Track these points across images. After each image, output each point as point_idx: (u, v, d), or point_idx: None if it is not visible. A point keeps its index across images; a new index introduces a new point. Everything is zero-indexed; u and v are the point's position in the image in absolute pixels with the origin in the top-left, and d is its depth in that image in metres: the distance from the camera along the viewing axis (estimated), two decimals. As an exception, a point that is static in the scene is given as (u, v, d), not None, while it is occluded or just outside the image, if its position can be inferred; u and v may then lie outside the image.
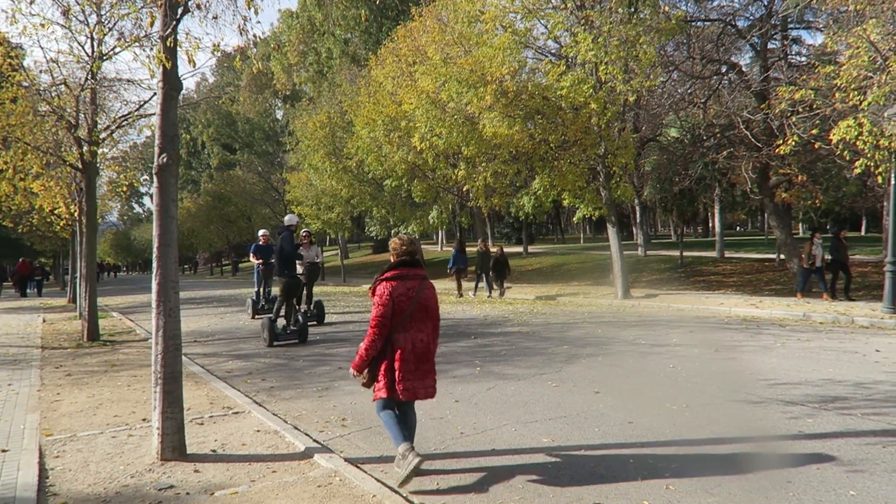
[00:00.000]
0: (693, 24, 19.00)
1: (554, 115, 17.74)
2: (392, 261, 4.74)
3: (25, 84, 11.70)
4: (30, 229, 25.17)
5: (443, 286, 23.23)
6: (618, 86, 16.12)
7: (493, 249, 21.83)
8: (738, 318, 13.40)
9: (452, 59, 18.51)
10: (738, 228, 64.09)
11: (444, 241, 46.89)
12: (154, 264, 5.04)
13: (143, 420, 6.23)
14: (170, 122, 5.11)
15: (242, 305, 20.71)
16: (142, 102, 12.81)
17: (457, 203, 26.21)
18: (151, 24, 5.10)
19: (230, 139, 67.22)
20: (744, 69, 20.09)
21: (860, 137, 12.03)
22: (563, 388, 7.30)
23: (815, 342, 9.96)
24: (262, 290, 16.33)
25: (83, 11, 10.32)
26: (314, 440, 5.53)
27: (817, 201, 21.21)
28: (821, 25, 18.16)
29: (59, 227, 21.04)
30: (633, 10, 16.64)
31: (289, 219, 12.46)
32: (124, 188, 18.71)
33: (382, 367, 4.56)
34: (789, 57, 19.44)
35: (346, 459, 4.97)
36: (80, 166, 12.55)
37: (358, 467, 4.78)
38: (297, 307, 12.29)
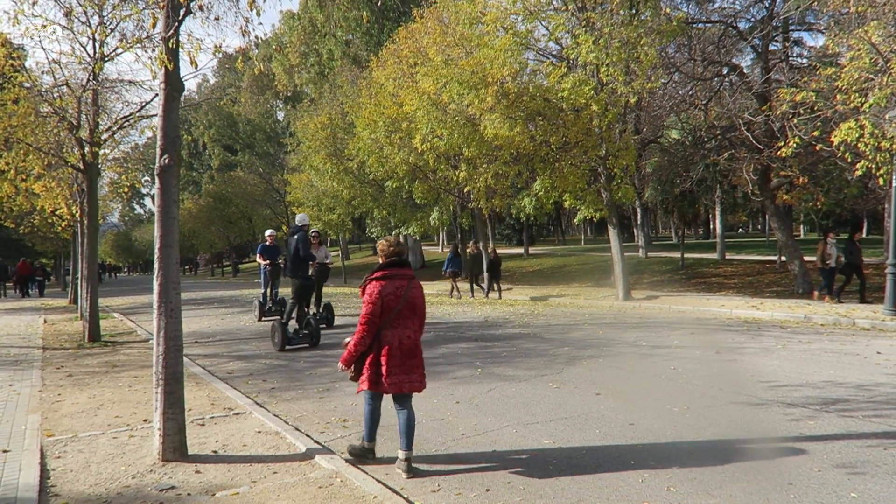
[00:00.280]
0: (694, 25, 19.00)
1: (555, 117, 17.74)
2: (380, 262, 4.99)
3: (27, 85, 11.72)
4: (31, 230, 25.21)
5: (440, 288, 23.23)
6: (619, 87, 16.12)
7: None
8: (739, 320, 13.40)
9: (453, 61, 18.51)
10: (739, 230, 64.07)
11: (445, 243, 46.89)
12: (155, 265, 5.05)
13: (145, 421, 6.24)
14: (171, 123, 5.12)
15: (243, 307, 20.72)
16: (143, 103, 12.82)
17: (458, 204, 26.17)
18: (153, 26, 5.11)
19: (231, 140, 67.22)
20: (745, 71, 20.08)
21: (861, 139, 12.02)
22: (564, 389, 7.29)
23: (816, 344, 9.95)
24: (268, 291, 15.99)
25: (85, 13, 10.34)
26: (315, 441, 5.53)
27: (818, 203, 21.22)
28: (822, 27, 18.15)
29: (60, 228, 21.06)
30: (634, 11, 16.64)
31: (301, 218, 11.96)
32: (125, 189, 18.74)
33: (367, 361, 4.81)
34: (790, 59, 19.43)
35: (347, 461, 4.98)
36: (82, 167, 12.57)
37: (359, 468, 4.78)
38: (307, 310, 12.09)
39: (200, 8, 5.12)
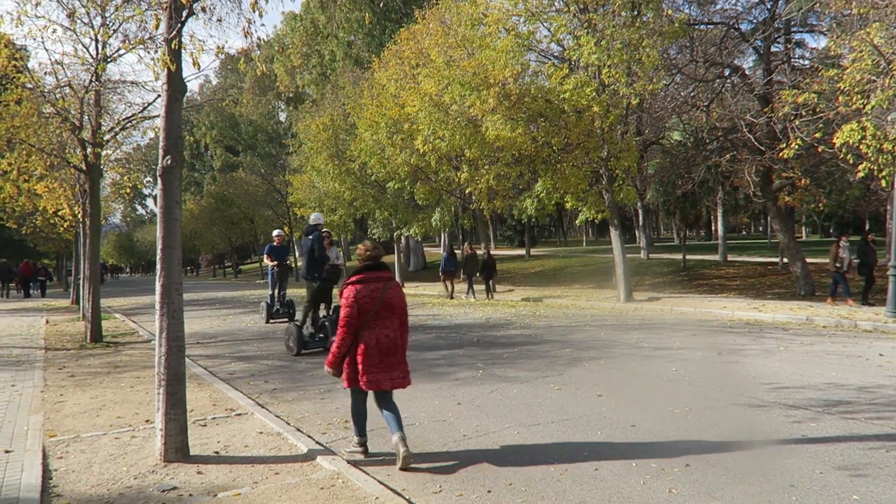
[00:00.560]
0: (696, 27, 19.00)
1: (557, 118, 17.74)
2: (358, 265, 5.21)
3: (30, 86, 11.75)
4: (33, 231, 25.25)
5: (441, 289, 23.22)
6: (621, 89, 16.12)
7: (480, 252, 22.45)
8: (741, 322, 13.39)
9: (455, 62, 18.52)
10: (743, 232, 64.02)
11: (447, 244, 46.87)
12: (158, 266, 5.05)
13: (146, 421, 6.24)
14: (174, 124, 5.13)
15: (245, 307, 20.74)
16: (145, 104, 12.85)
17: (459, 205, 26.18)
18: (157, 27, 5.11)
19: (233, 141, 67.25)
20: (747, 72, 20.08)
21: (863, 141, 12.01)
22: (566, 391, 7.29)
23: (818, 346, 9.94)
24: (276, 292, 15.54)
25: (88, 14, 10.36)
26: (317, 442, 5.53)
27: (820, 205, 21.21)
28: (824, 29, 18.15)
29: (62, 229, 21.12)
30: (636, 13, 16.64)
31: (315, 217, 11.33)
32: (128, 190, 18.79)
33: (346, 360, 5.05)
34: (792, 60, 19.44)
35: (348, 462, 4.98)
36: (84, 168, 12.59)
37: (360, 469, 4.78)
38: (317, 310, 11.75)
39: (203, 9, 5.14)
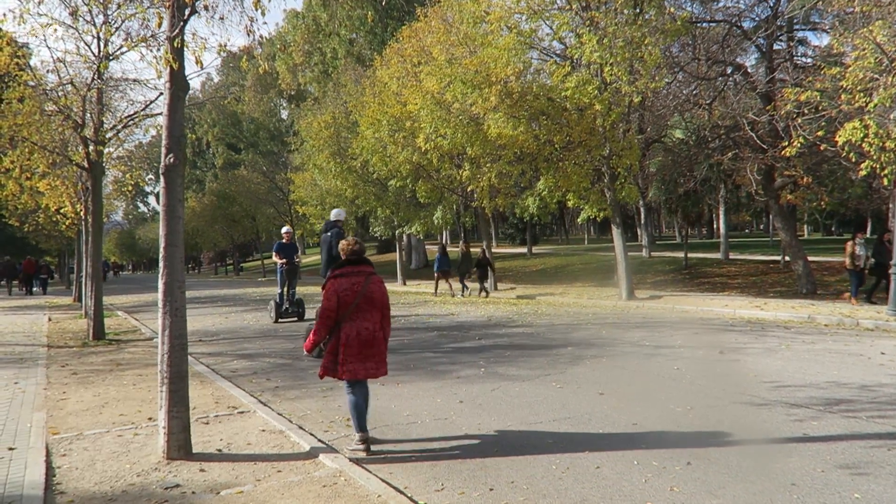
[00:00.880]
0: (698, 25, 18.97)
1: (559, 116, 17.73)
2: (341, 259, 5.39)
3: (32, 84, 11.76)
4: (35, 228, 25.28)
5: (442, 287, 23.25)
6: (623, 87, 16.10)
7: (475, 250, 22.87)
8: (743, 320, 13.39)
9: (457, 60, 18.50)
10: (746, 230, 63.95)
11: (449, 242, 46.92)
12: (160, 264, 5.06)
13: (149, 419, 6.26)
14: (176, 122, 5.13)
15: (247, 305, 20.78)
16: (148, 102, 12.87)
17: (461, 203, 26.18)
18: (159, 25, 5.12)
19: (235, 139, 67.34)
20: (749, 70, 20.04)
21: (866, 139, 11.99)
22: (568, 389, 7.30)
23: (819, 344, 9.94)
24: (285, 291, 15.09)
25: (90, 12, 10.37)
26: (319, 440, 5.54)
27: (822, 203, 21.15)
28: (827, 27, 18.11)
29: (64, 227, 21.15)
30: (638, 11, 16.62)
31: (336, 213, 10.75)
32: (130, 187, 18.80)
33: (328, 350, 5.21)
34: (795, 58, 19.39)
35: (350, 459, 4.99)
36: (86, 166, 12.61)
37: (363, 467, 4.79)
38: None
39: (206, 8, 5.14)
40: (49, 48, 17.32)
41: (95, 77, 11.73)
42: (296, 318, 15.04)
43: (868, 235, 16.45)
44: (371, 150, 22.69)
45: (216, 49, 6.13)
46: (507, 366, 8.81)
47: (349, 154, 25.41)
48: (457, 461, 5.02)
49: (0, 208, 23.34)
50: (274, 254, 15.33)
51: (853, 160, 13.12)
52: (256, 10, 5.28)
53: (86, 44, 11.31)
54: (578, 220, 25.85)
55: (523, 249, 41.89)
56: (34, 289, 34.00)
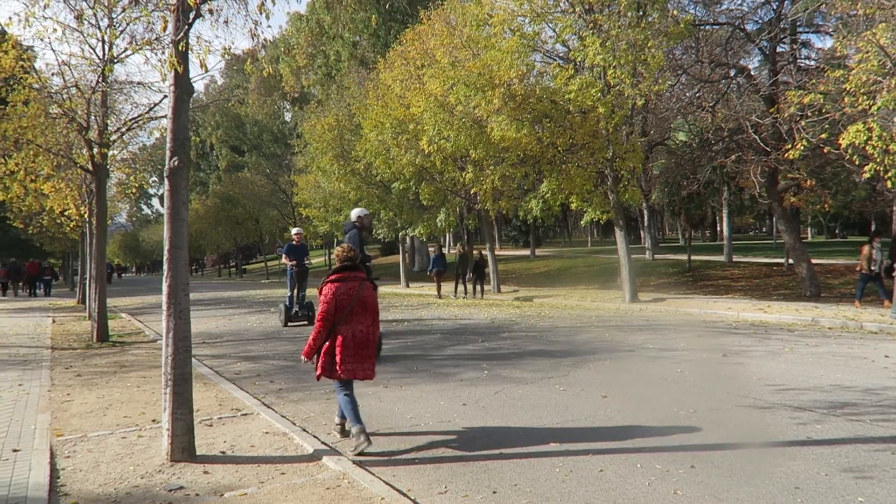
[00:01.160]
0: (702, 27, 18.98)
1: (562, 119, 17.75)
2: (336, 266, 5.61)
3: (37, 86, 11.80)
4: (40, 230, 25.36)
5: (444, 290, 23.29)
6: (626, 89, 16.11)
7: (473, 252, 23.65)
8: (747, 323, 13.37)
9: (460, 63, 18.53)
10: (751, 232, 63.81)
11: (452, 244, 46.91)
12: (165, 266, 5.08)
13: (153, 421, 6.27)
14: (181, 125, 5.15)
15: (250, 307, 20.81)
16: (152, 105, 12.91)
17: (464, 206, 26.21)
18: (164, 29, 5.14)
19: (239, 141, 67.46)
20: (752, 73, 20.04)
21: (869, 142, 11.97)
22: (571, 391, 7.30)
23: (823, 347, 9.92)
24: (295, 294, 14.68)
25: (95, 15, 10.41)
26: (322, 442, 5.55)
27: (826, 206, 21.12)
28: (830, 29, 18.11)
29: (69, 229, 21.20)
30: (641, 13, 16.63)
31: (356, 213, 10.06)
32: (133, 190, 18.83)
33: (323, 351, 5.40)
34: (798, 61, 19.38)
35: (354, 462, 5.00)
36: (91, 168, 12.66)
37: (366, 470, 4.80)
38: None
39: (210, 11, 5.16)
40: (54, 51, 17.49)
41: (100, 80, 11.76)
42: (305, 322, 14.61)
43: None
44: (374, 152, 22.72)
45: (220, 52, 6.13)
46: (511, 368, 8.81)
47: (353, 156, 25.44)
48: (460, 464, 5.02)
49: (5, 210, 23.46)
50: (283, 255, 14.98)
51: (857, 163, 13.10)
52: (261, 13, 5.31)
53: (90, 47, 11.35)
54: (582, 222, 25.87)
55: (526, 252, 41.89)
56: (38, 290, 34.14)
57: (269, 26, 7.30)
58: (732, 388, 7.26)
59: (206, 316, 18.00)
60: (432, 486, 4.58)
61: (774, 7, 18.28)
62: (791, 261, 20.13)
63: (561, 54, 19.92)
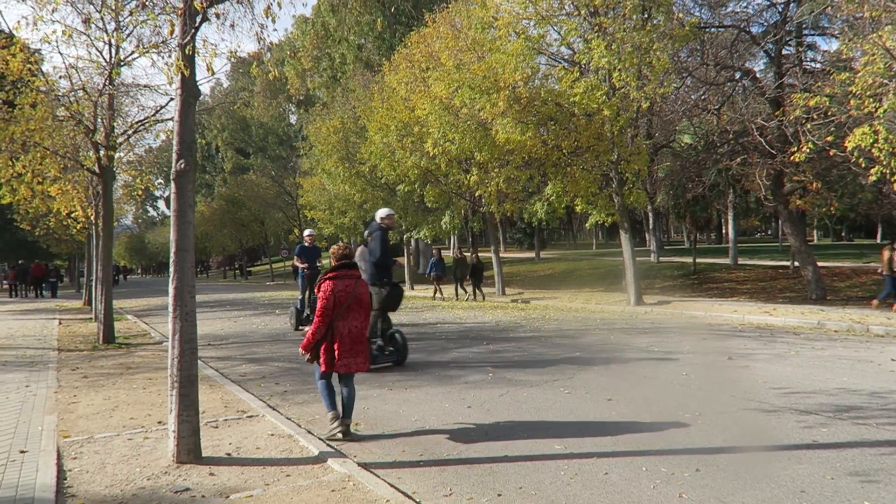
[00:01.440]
0: (707, 30, 18.95)
1: (567, 122, 17.75)
2: (332, 264, 5.90)
3: (44, 89, 11.86)
4: (46, 232, 25.46)
5: (448, 292, 23.30)
6: (631, 92, 16.10)
7: (469, 255, 24.11)
8: (752, 326, 13.34)
9: (466, 65, 18.55)
10: (758, 235, 63.61)
11: (456, 246, 46.93)
12: (171, 269, 5.09)
13: (159, 422, 6.30)
14: (187, 128, 5.17)
15: (256, 309, 20.84)
16: (158, 108, 12.96)
17: (469, 208, 26.24)
18: (171, 33, 5.17)
19: (244, 143, 67.63)
20: (758, 75, 20.00)
21: (875, 145, 11.95)
22: (576, 394, 7.29)
23: (829, 351, 9.89)
24: (306, 297, 14.32)
25: (102, 19, 10.46)
26: (328, 444, 5.56)
27: (832, 208, 21.08)
28: (836, 32, 18.05)
29: (75, 231, 21.32)
30: (646, 16, 16.62)
31: (383, 213, 9.63)
32: (140, 192, 18.90)
33: (322, 348, 5.68)
34: (804, 63, 19.34)
35: (359, 464, 5.00)
36: (97, 170, 12.71)
37: (371, 472, 4.81)
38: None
39: (217, 15, 5.19)
40: (61, 54, 17.54)
41: (107, 83, 11.83)
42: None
43: (864, 240, 16.32)
44: (379, 154, 22.77)
45: (226, 55, 6.19)
46: (515, 371, 8.81)
47: (358, 159, 25.49)
48: (465, 466, 5.02)
49: (12, 212, 23.56)
50: (295, 257, 14.67)
51: (863, 165, 13.08)
52: (267, 17, 5.33)
53: (98, 50, 11.41)
54: (586, 225, 25.83)
55: (531, 254, 41.87)
56: (43, 292, 34.30)
57: (276, 30, 7.36)
58: (738, 391, 7.25)
59: (212, 318, 18.05)
60: (437, 488, 4.59)
61: (780, 10, 18.24)
62: (797, 263, 20.08)
63: (566, 57, 19.91)
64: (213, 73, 5.61)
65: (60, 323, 17.12)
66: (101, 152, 12.37)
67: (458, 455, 5.32)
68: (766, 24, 19.11)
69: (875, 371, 8.26)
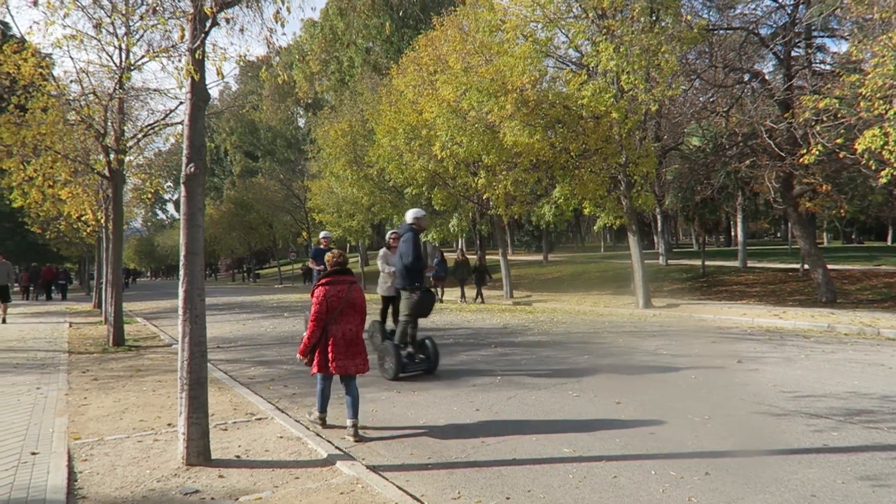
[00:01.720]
0: (715, 32, 18.90)
1: (575, 124, 17.74)
2: (327, 269, 6.15)
3: (55, 94, 11.96)
4: (57, 235, 25.64)
5: (456, 294, 23.30)
6: (639, 95, 16.07)
7: (472, 257, 23.97)
8: (762, 329, 13.27)
9: (473, 68, 18.58)
10: (767, 237, 63.31)
11: (465, 249, 46.95)
12: (181, 272, 5.12)
13: (169, 425, 6.33)
14: (197, 132, 5.21)
15: (264, 312, 20.90)
16: (168, 111, 13.04)
17: (477, 211, 26.25)
18: (181, 38, 5.20)
19: (252, 147, 67.89)
20: (767, 77, 19.93)
21: (886, 147, 11.89)
22: (584, 397, 7.28)
23: (839, 354, 9.84)
24: None
25: (113, 24, 10.54)
26: (336, 447, 5.57)
27: (842, 211, 20.98)
28: (845, 33, 17.97)
29: (85, 234, 21.46)
30: (654, 19, 16.60)
31: (413, 213, 9.07)
32: (149, 195, 19.01)
33: (317, 351, 5.97)
34: (813, 65, 19.25)
35: (367, 467, 5.01)
36: (108, 174, 12.79)
37: (380, 475, 4.82)
38: (383, 324, 10.61)
39: (227, 20, 5.22)
40: (72, 58, 17.62)
41: (117, 87, 11.91)
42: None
43: (875, 243, 16.26)
44: (387, 157, 22.82)
45: (235, 59, 6.25)
46: (524, 374, 8.80)
47: (365, 162, 25.56)
48: (473, 469, 5.02)
49: (23, 216, 23.74)
50: (310, 260, 14.31)
51: (873, 168, 13.01)
52: (276, 21, 5.36)
53: (108, 54, 11.50)
54: (595, 227, 25.82)
55: (539, 257, 41.81)
56: (53, 295, 34.58)
57: (284, 34, 7.40)
58: (747, 394, 7.22)
59: (221, 321, 18.11)
60: (445, 491, 4.59)
61: (789, 11, 18.17)
62: (806, 266, 19.97)
63: (574, 60, 19.92)
64: (223, 78, 5.64)
65: (71, 325, 17.22)
66: (112, 156, 12.46)
67: (466, 458, 5.32)
68: (774, 25, 19.05)
69: (886, 374, 8.20)
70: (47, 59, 12.53)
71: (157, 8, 6.19)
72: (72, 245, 32.51)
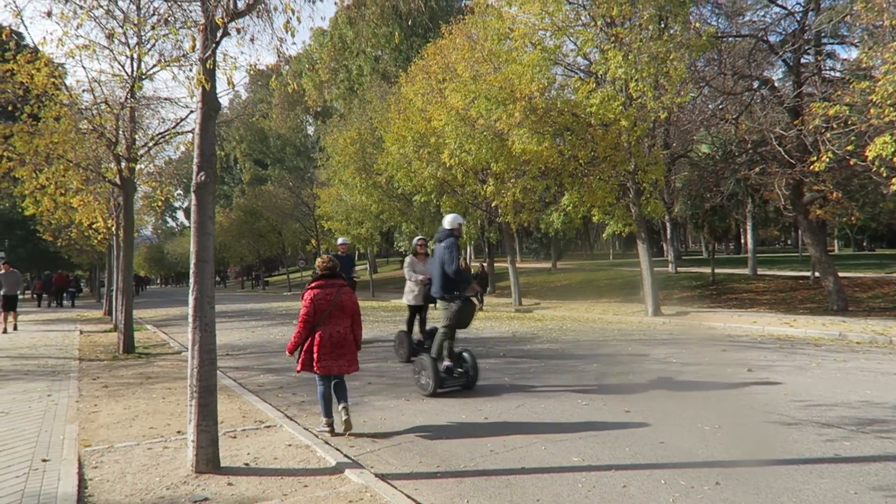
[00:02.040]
0: (724, 39, 18.88)
1: (583, 132, 17.74)
2: (318, 274, 6.41)
3: (67, 103, 12.08)
4: (68, 243, 25.85)
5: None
6: (648, 102, 16.06)
7: (475, 265, 24.16)
8: (772, 337, 13.19)
9: (482, 76, 18.63)
10: (778, 245, 62.95)
11: (473, 257, 46.91)
12: (191, 280, 5.15)
13: (178, 432, 6.35)
14: (208, 141, 5.24)
15: (273, 319, 20.95)
16: (178, 120, 13.13)
17: (485, 218, 26.27)
18: (193, 48, 5.25)
19: (262, 155, 68.23)
20: (776, 84, 19.87)
21: (897, 154, 11.82)
22: (594, 406, 7.25)
23: (851, 362, 9.76)
24: None
25: (125, 34, 10.65)
26: (345, 455, 5.57)
27: (853, 218, 20.83)
28: (855, 40, 17.90)
29: (96, 241, 21.62)
30: (663, 26, 16.60)
31: (451, 219, 8.68)
32: (159, 203, 19.14)
33: (304, 349, 6.23)
34: (823, 72, 19.18)
35: (376, 475, 5.01)
36: (119, 182, 12.89)
37: (388, 483, 4.81)
38: (409, 334, 10.61)
39: (238, 30, 5.26)
40: (84, 68, 17.84)
41: (129, 96, 12.02)
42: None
43: (887, 251, 16.13)
44: (396, 165, 22.89)
45: (246, 69, 6.31)
46: (533, 382, 8.78)
47: (374, 170, 25.64)
48: (482, 478, 5.01)
49: (35, 223, 23.95)
50: None
51: (884, 175, 12.93)
52: (286, 31, 5.40)
53: (120, 64, 11.61)
54: (603, 235, 25.78)
55: (548, 264, 41.75)
56: (64, 302, 34.90)
57: (294, 43, 7.44)
58: (758, 403, 7.17)
59: (230, 328, 18.16)
60: (454, 500, 4.58)
61: (798, 18, 18.13)
62: (817, 274, 19.84)
63: (582, 67, 19.94)
64: (234, 87, 5.69)
65: (81, 333, 17.32)
66: (123, 164, 12.56)
67: (474, 466, 5.30)
68: (784, 32, 19.00)
69: (898, 383, 8.13)
70: (60, 68, 12.67)
71: (169, 18, 6.25)
72: (83, 252, 32.79)
